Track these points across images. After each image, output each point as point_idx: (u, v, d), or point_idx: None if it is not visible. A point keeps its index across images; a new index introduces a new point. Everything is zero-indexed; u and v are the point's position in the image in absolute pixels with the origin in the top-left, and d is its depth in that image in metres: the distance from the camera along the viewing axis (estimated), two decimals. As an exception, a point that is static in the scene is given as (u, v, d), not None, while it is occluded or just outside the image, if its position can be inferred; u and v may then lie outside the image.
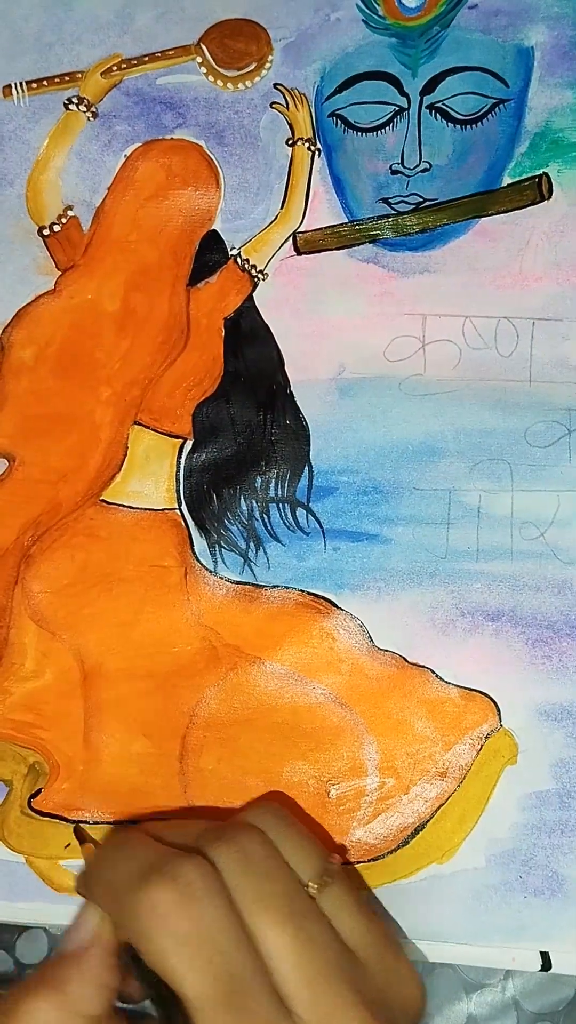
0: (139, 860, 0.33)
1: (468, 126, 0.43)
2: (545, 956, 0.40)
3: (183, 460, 0.44)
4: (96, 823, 0.42)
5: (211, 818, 0.40)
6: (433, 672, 0.42)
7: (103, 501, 0.44)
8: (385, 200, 0.44)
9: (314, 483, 0.43)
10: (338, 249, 0.44)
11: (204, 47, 0.45)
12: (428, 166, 0.44)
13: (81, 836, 0.41)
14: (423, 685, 0.42)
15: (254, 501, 0.44)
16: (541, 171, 0.43)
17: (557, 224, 0.43)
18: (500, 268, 0.43)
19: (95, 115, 0.45)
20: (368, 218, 0.44)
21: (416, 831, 0.41)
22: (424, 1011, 0.35)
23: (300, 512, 0.43)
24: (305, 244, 0.44)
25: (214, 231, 0.45)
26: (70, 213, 0.45)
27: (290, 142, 0.44)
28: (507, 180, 0.43)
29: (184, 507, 0.44)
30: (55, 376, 0.44)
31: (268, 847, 0.34)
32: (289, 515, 0.43)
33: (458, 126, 0.43)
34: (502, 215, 0.43)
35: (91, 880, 0.35)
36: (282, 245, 0.44)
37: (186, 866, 0.32)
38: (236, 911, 0.32)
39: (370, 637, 0.42)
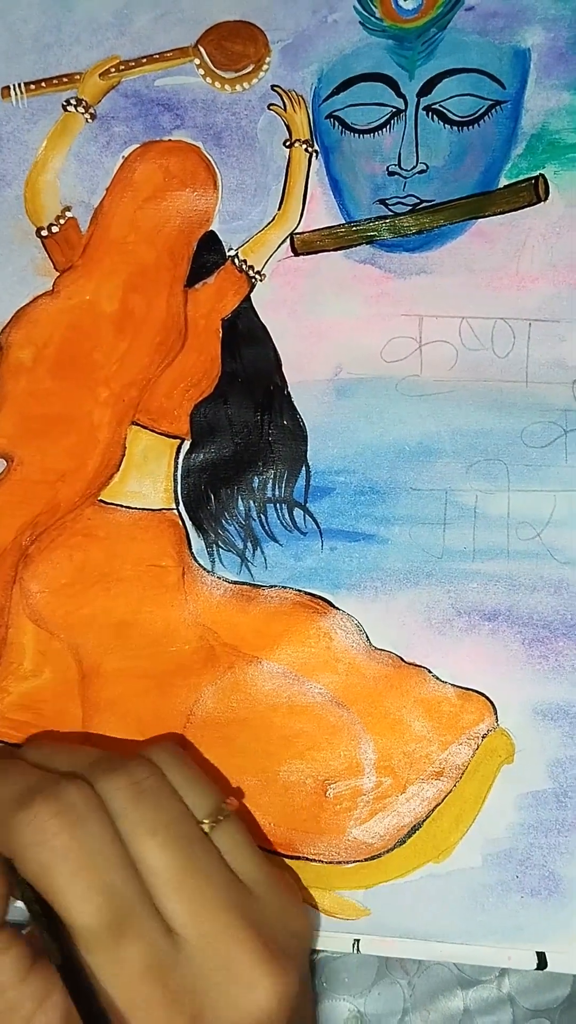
0: (21, 782, 0.33)
1: (465, 128, 0.43)
2: (541, 956, 0.40)
3: (181, 460, 0.44)
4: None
5: (107, 748, 0.39)
6: (430, 672, 0.42)
7: (101, 501, 0.44)
8: (382, 201, 0.44)
9: (311, 483, 0.43)
10: (335, 250, 0.44)
11: (202, 49, 0.45)
12: (425, 168, 0.44)
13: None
14: (420, 685, 0.42)
15: (251, 501, 0.44)
16: (538, 173, 0.43)
17: (553, 225, 0.43)
18: (497, 269, 0.43)
19: (93, 116, 0.45)
20: (365, 219, 0.44)
21: (413, 830, 0.41)
22: (310, 946, 0.36)
23: (297, 512, 0.43)
24: (302, 245, 0.44)
25: (212, 232, 0.45)
26: (68, 214, 0.45)
27: (287, 143, 0.44)
28: (504, 182, 0.43)
29: (182, 507, 0.44)
30: (53, 377, 0.45)
31: (160, 780, 0.34)
32: (286, 515, 0.43)
33: (455, 128, 0.43)
34: (499, 216, 0.43)
35: None
36: (279, 246, 0.44)
37: (70, 788, 0.32)
38: (119, 835, 0.32)
39: (367, 637, 0.42)
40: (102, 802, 0.33)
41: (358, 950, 0.41)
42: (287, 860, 0.41)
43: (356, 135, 0.44)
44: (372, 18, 0.44)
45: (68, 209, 0.45)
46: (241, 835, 0.36)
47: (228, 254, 0.44)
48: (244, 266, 0.44)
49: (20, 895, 0.33)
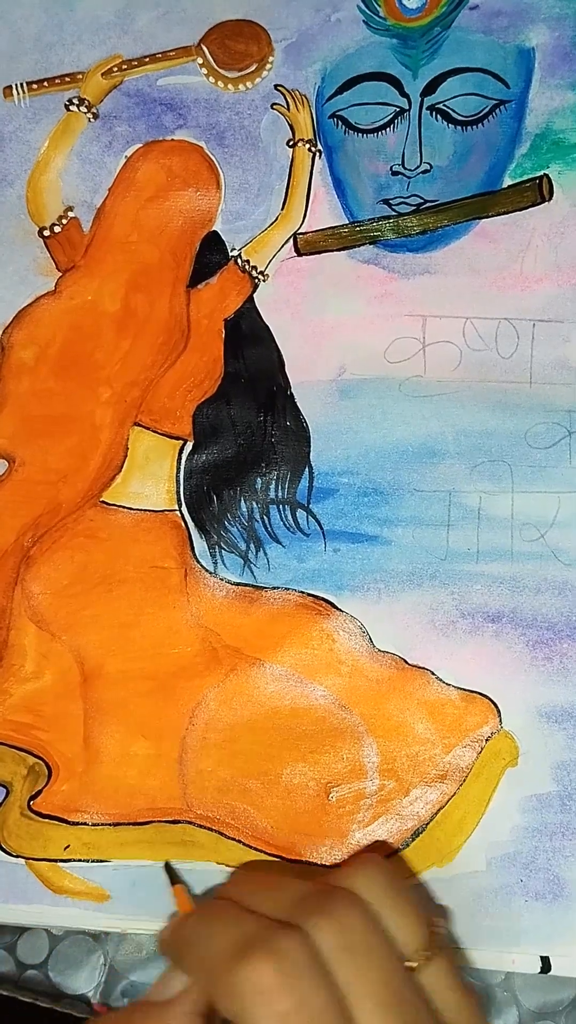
0: (235, 933, 0.32)
1: (469, 127, 0.43)
2: (545, 960, 0.40)
3: (183, 461, 0.44)
4: (95, 824, 0.42)
5: (306, 876, 0.38)
6: (433, 674, 0.42)
7: (103, 502, 0.44)
8: (386, 201, 0.44)
9: (314, 484, 0.43)
10: (339, 250, 0.44)
11: (205, 48, 0.45)
12: (429, 167, 0.44)
13: (173, 876, 0.40)
14: (423, 687, 0.42)
15: (254, 502, 0.44)
16: (542, 172, 0.43)
17: (558, 225, 0.43)
18: (501, 269, 0.43)
19: (96, 116, 0.45)
20: (369, 219, 0.44)
21: (416, 834, 0.41)
22: None
23: (300, 513, 0.43)
24: (306, 245, 0.44)
25: (215, 232, 0.45)
26: (70, 214, 0.45)
27: (291, 143, 0.44)
28: (508, 181, 0.43)
29: (184, 508, 0.44)
30: (55, 377, 0.44)
31: (368, 921, 0.33)
32: (289, 516, 0.43)
33: (459, 127, 0.43)
34: (503, 216, 0.43)
35: (180, 948, 0.34)
36: (283, 246, 0.44)
37: (285, 941, 0.31)
38: (335, 990, 0.31)
39: (370, 639, 0.42)
40: (318, 952, 0.31)
41: (361, 954, 0.41)
42: (289, 863, 0.41)
43: (360, 135, 0.44)
44: (376, 17, 0.44)
45: (70, 209, 0.45)
46: (448, 971, 0.34)
47: (231, 254, 0.44)
48: (247, 266, 0.44)
49: None
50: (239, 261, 0.44)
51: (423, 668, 0.42)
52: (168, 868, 0.41)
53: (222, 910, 0.34)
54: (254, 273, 0.44)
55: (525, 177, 0.43)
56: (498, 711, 0.41)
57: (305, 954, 0.31)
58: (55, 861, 0.42)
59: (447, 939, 0.35)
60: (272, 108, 0.45)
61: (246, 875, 0.39)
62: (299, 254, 0.44)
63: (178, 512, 0.44)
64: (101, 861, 0.42)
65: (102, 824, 0.42)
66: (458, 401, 0.43)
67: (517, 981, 0.42)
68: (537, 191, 0.43)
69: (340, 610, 0.42)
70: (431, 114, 0.43)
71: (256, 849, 0.41)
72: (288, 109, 0.44)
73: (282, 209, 0.44)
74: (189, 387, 0.44)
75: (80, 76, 0.45)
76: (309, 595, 0.43)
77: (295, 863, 0.41)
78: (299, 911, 0.33)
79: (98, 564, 0.44)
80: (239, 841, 0.42)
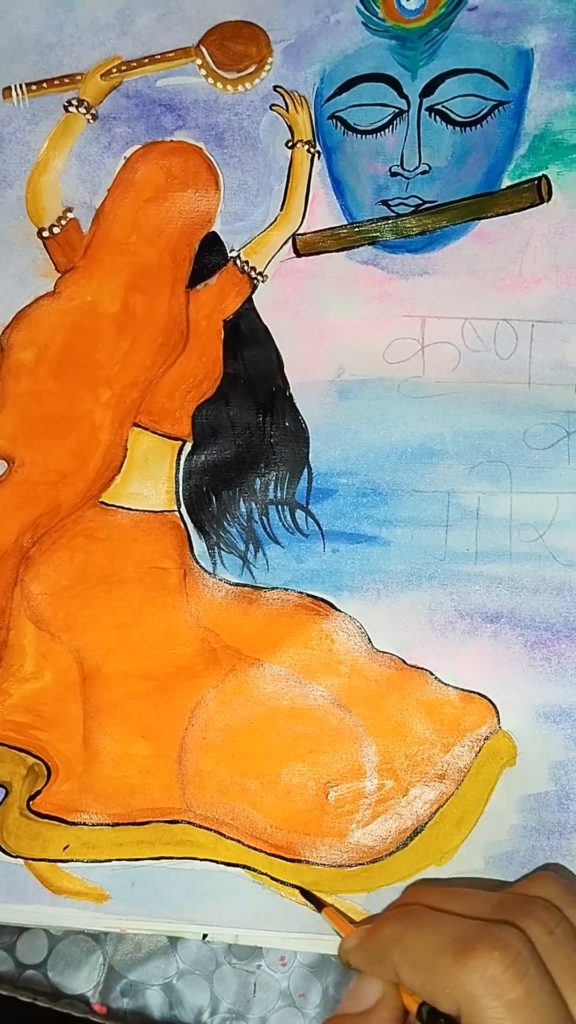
0: (450, 930, 0.33)
1: (467, 128, 0.43)
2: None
3: (182, 462, 0.44)
4: (95, 824, 0.42)
5: (478, 890, 0.39)
6: (432, 674, 0.42)
7: (102, 503, 0.44)
8: (385, 202, 0.44)
9: (313, 485, 0.43)
10: (338, 251, 0.44)
11: (204, 49, 0.45)
12: (427, 168, 0.44)
13: (317, 902, 0.41)
14: (422, 687, 0.42)
15: (253, 503, 0.44)
16: (540, 173, 0.43)
17: (556, 226, 0.43)
18: (499, 270, 0.43)
19: (95, 117, 0.45)
20: (368, 220, 0.44)
21: (415, 833, 0.41)
22: None
23: (299, 514, 0.43)
24: (305, 246, 0.44)
25: (214, 233, 0.45)
26: (70, 215, 0.45)
27: (290, 144, 0.44)
28: (506, 182, 0.43)
29: (183, 509, 0.44)
30: (55, 378, 0.44)
31: (565, 921, 0.34)
32: (288, 517, 0.43)
33: (457, 128, 0.43)
34: (501, 217, 0.43)
35: (382, 952, 0.35)
36: (282, 247, 0.44)
37: (510, 934, 0.32)
38: (554, 981, 0.32)
39: (369, 639, 0.42)
40: (536, 948, 0.33)
41: (360, 953, 0.41)
42: (288, 863, 0.41)
43: (358, 136, 0.44)
44: (375, 18, 0.44)
45: (70, 210, 0.45)
46: None
47: (230, 255, 0.44)
48: (246, 267, 0.44)
49: None
50: (238, 262, 0.44)
51: (422, 668, 0.42)
52: (307, 894, 0.41)
53: (423, 913, 0.35)
54: (253, 274, 0.44)
55: (524, 178, 0.43)
56: (496, 711, 0.41)
57: (529, 947, 0.32)
58: (54, 861, 0.42)
59: None
60: (271, 109, 0.45)
61: (427, 886, 0.40)
62: (298, 255, 0.44)
63: (177, 513, 0.44)
64: (100, 861, 0.42)
65: (101, 824, 0.42)
66: (457, 402, 0.43)
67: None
68: (536, 192, 0.43)
69: (339, 610, 0.42)
70: (430, 115, 0.43)
71: (255, 849, 0.41)
72: (287, 110, 0.44)
73: (281, 210, 0.44)
74: (188, 388, 0.44)
75: (79, 77, 0.45)
76: (308, 596, 0.43)
77: (293, 862, 0.41)
78: (502, 912, 0.34)
79: (97, 564, 0.44)
80: (238, 841, 0.42)
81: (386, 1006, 0.35)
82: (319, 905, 0.40)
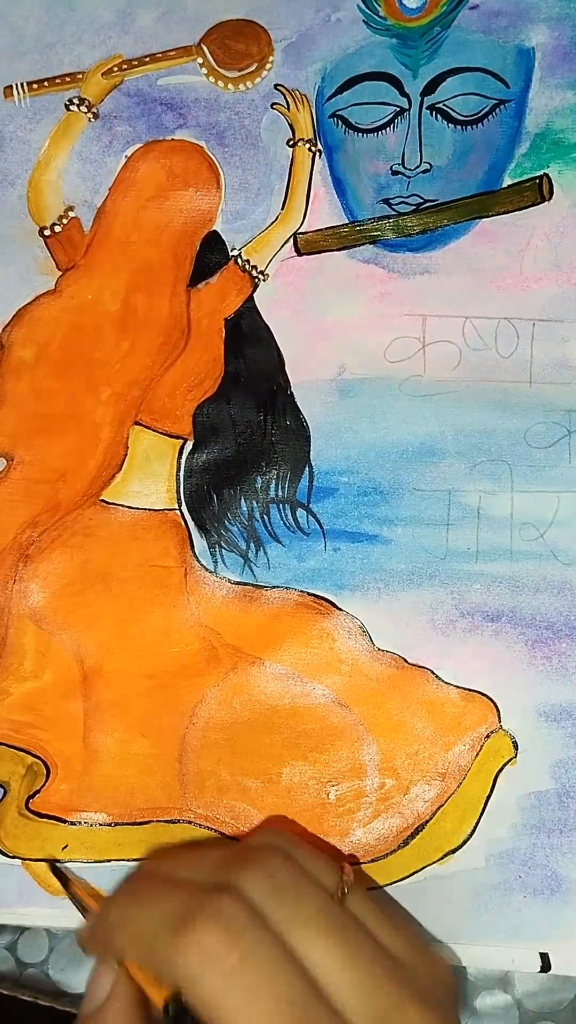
0: (168, 904, 0.32)
1: (469, 127, 0.43)
2: (544, 957, 0.40)
3: (183, 460, 0.44)
4: (94, 824, 0.42)
5: (214, 845, 0.39)
6: (433, 673, 0.42)
7: (103, 501, 0.44)
8: (386, 201, 0.44)
9: (314, 484, 0.43)
10: (339, 250, 0.44)
11: (205, 48, 0.45)
12: (429, 167, 0.44)
13: (63, 877, 0.39)
14: (423, 686, 0.42)
15: (254, 502, 0.44)
16: (542, 172, 0.43)
17: (557, 225, 0.43)
18: (501, 269, 0.43)
19: (96, 116, 0.45)
20: (369, 219, 0.44)
21: (416, 831, 0.41)
22: (459, 990, 0.35)
23: (300, 513, 0.43)
24: (306, 245, 0.44)
25: (215, 232, 0.45)
26: (71, 214, 0.45)
27: (291, 143, 0.44)
28: (508, 181, 0.43)
29: (184, 507, 0.44)
30: (55, 376, 0.44)
31: (293, 867, 0.34)
32: (289, 516, 0.43)
33: (459, 127, 0.43)
34: (503, 216, 0.43)
35: (110, 934, 0.34)
36: (283, 246, 0.44)
37: (223, 901, 0.31)
38: (275, 933, 0.31)
39: (370, 638, 0.42)
40: (254, 905, 0.32)
41: (361, 952, 0.41)
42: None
43: (360, 134, 0.44)
44: (376, 17, 0.44)
45: (71, 209, 0.45)
46: (368, 901, 0.35)
47: (231, 254, 0.44)
48: (247, 266, 0.44)
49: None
50: (239, 261, 0.44)
51: (423, 667, 0.42)
52: (56, 870, 0.40)
53: (147, 886, 0.34)
54: (254, 273, 0.44)
55: (525, 177, 0.43)
56: (497, 710, 0.41)
57: (242, 908, 0.31)
58: (54, 861, 0.42)
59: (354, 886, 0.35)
60: (272, 108, 0.45)
61: (159, 852, 0.40)
62: (299, 254, 0.44)
63: (178, 511, 0.44)
64: (100, 861, 0.42)
65: (101, 824, 0.42)
66: (458, 400, 0.43)
67: (518, 981, 0.42)
68: (537, 191, 0.43)
69: (340, 609, 0.42)
70: (431, 114, 0.43)
71: (256, 847, 0.41)
72: (288, 109, 0.44)
73: (282, 209, 0.44)
74: (189, 386, 0.44)
75: (80, 76, 0.45)
76: (309, 594, 0.43)
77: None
78: (224, 871, 0.33)
79: (97, 563, 0.44)
80: (238, 840, 0.42)
81: (117, 996, 0.33)
82: (65, 882, 0.39)
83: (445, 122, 0.43)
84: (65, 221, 0.45)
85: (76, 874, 0.40)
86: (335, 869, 0.35)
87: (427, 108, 0.43)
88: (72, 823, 0.42)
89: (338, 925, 0.32)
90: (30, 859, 0.42)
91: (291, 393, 0.44)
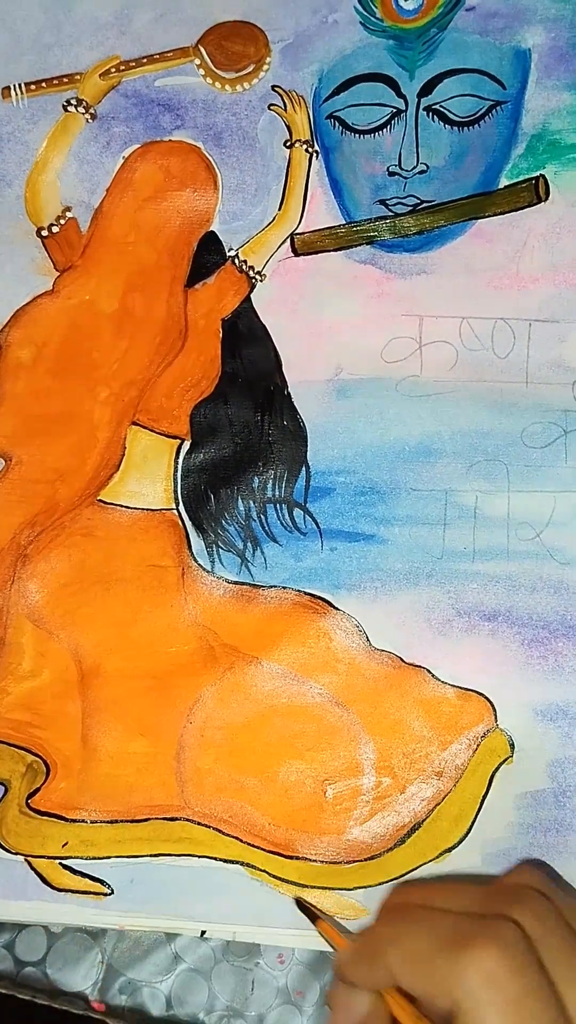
0: (444, 927, 0.33)
1: (465, 128, 0.43)
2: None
3: (181, 460, 0.44)
4: (94, 822, 0.42)
5: (460, 882, 0.39)
6: (430, 672, 0.42)
7: (100, 501, 0.44)
8: (383, 202, 0.44)
9: (311, 484, 0.43)
10: (336, 250, 0.44)
11: (202, 49, 0.45)
12: (425, 168, 0.44)
13: (311, 914, 0.40)
14: (420, 685, 0.42)
15: (251, 501, 0.44)
16: (538, 173, 0.43)
17: (554, 226, 0.43)
18: (497, 270, 0.43)
19: (93, 117, 0.45)
20: (366, 220, 0.44)
21: (412, 830, 0.41)
22: None
23: (297, 512, 0.43)
24: (303, 245, 0.44)
25: (212, 232, 0.45)
26: (69, 214, 0.45)
27: (288, 144, 0.45)
28: (504, 182, 0.43)
29: (181, 507, 0.44)
30: (53, 376, 0.45)
31: (555, 909, 0.34)
32: (286, 515, 0.43)
33: (455, 128, 0.43)
34: (499, 217, 0.43)
35: (376, 956, 0.34)
36: (280, 246, 0.44)
37: (506, 928, 0.32)
38: (548, 975, 0.32)
39: (367, 637, 0.42)
40: (531, 939, 0.32)
41: (358, 950, 0.41)
42: (286, 860, 0.41)
43: (356, 135, 0.44)
44: (372, 18, 0.44)
45: (68, 209, 0.45)
46: None
47: (228, 254, 0.44)
48: (244, 266, 0.44)
49: None
50: (236, 261, 0.44)
51: (419, 666, 0.42)
52: (303, 906, 0.41)
53: (415, 912, 0.35)
54: (251, 273, 0.44)
55: (521, 178, 0.43)
56: (494, 709, 0.41)
57: (522, 939, 0.32)
58: (54, 858, 0.42)
59: None
60: (269, 109, 0.45)
61: (413, 885, 0.40)
62: (296, 254, 0.44)
63: (175, 511, 0.44)
64: (99, 858, 0.42)
65: (100, 821, 0.43)
66: (454, 401, 0.43)
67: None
68: (533, 191, 0.43)
69: (337, 608, 0.42)
70: (428, 115, 0.44)
71: (253, 846, 0.41)
72: (285, 110, 0.44)
73: (279, 209, 0.44)
74: (187, 386, 0.44)
75: (78, 77, 0.45)
76: (306, 594, 0.43)
77: (291, 859, 0.41)
78: (492, 904, 0.34)
79: (95, 562, 0.44)
80: (236, 838, 0.42)
81: (375, 1018, 0.34)
82: (313, 918, 0.40)
83: (442, 123, 0.43)
84: (63, 222, 0.45)
85: (324, 912, 0.40)
86: None
87: (424, 109, 0.43)
88: (72, 821, 0.42)
89: None
90: (32, 856, 0.42)
91: (288, 393, 0.44)
